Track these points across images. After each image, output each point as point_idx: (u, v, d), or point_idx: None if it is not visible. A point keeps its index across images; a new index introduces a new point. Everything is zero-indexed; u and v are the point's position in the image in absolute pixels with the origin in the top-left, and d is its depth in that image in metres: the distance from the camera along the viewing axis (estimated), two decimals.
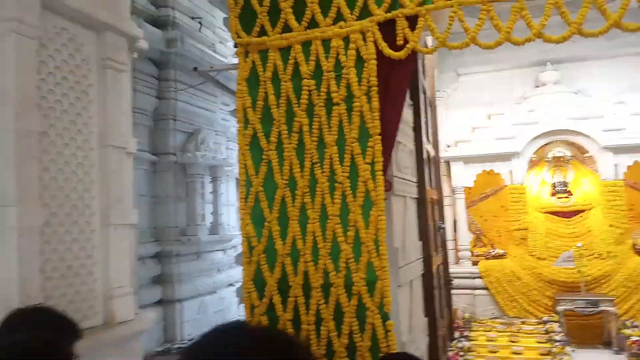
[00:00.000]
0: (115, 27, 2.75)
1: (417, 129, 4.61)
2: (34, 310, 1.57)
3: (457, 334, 6.33)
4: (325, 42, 3.22)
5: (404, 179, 4.06)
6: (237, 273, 8.54)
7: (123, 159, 2.77)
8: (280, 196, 3.26)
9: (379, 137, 3.10)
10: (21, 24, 2.26)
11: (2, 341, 1.31)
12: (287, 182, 3.25)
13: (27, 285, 2.24)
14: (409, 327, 3.89)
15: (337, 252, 3.12)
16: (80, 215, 2.59)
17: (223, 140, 8.21)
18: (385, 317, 3.02)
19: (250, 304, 3.30)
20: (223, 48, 7.92)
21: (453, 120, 8.64)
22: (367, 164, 3.10)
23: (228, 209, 8.45)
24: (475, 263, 8.22)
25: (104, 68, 2.71)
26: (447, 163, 8.31)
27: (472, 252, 8.46)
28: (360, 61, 3.16)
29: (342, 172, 3.13)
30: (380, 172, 3.09)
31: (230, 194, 8.59)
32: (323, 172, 3.18)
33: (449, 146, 8.42)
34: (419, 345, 4.16)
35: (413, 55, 3.20)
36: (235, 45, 3.45)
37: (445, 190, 7.94)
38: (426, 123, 5.17)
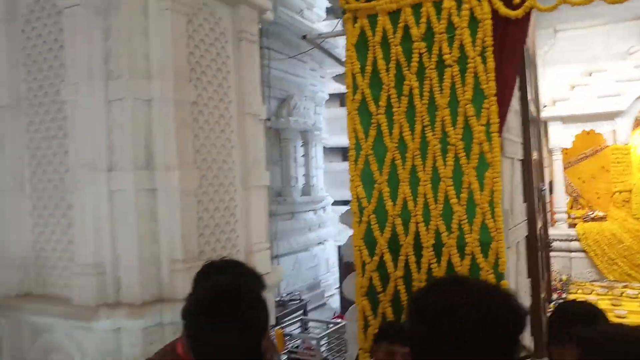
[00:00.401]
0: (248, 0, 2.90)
1: (522, 88, 4.48)
2: (224, 261, 1.78)
3: (555, 296, 6.22)
4: (437, 4, 3.18)
5: (512, 140, 4.00)
6: (325, 232, 8.85)
7: (257, 126, 2.98)
8: (390, 159, 3.32)
9: (495, 98, 3.06)
10: (174, 2, 2.46)
11: (198, 286, 1.50)
12: (397, 145, 3.30)
13: (188, 241, 2.53)
14: (515, 288, 3.91)
15: (450, 213, 3.16)
16: (224, 177, 2.84)
17: (311, 106, 8.38)
18: (499, 277, 3.06)
19: (362, 260, 3.43)
20: (310, 14, 7.97)
21: (550, 79, 8.23)
22: (482, 125, 3.08)
23: (317, 171, 8.68)
24: (572, 225, 7.95)
25: (239, 40, 2.88)
26: (544, 123, 7.98)
27: (568, 214, 8.17)
28: (474, 21, 3.10)
29: (455, 134, 3.14)
30: (496, 134, 3.07)
31: (318, 158, 8.80)
32: (434, 134, 3.20)
33: (545, 106, 8.06)
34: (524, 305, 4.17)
35: (529, 14, 3.10)
36: (344, 12, 3.48)
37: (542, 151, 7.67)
38: (530, 82, 5.00)
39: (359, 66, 3.40)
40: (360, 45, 3.41)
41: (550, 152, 8.07)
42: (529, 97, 4.80)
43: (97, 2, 2.54)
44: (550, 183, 8.17)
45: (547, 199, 7.84)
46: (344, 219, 3.85)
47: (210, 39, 2.76)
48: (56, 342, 2.63)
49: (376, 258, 3.35)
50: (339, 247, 8.68)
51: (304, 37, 3.47)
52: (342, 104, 14.46)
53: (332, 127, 9.74)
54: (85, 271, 2.59)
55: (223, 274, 1.64)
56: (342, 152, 14.32)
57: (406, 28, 3.26)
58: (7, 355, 2.88)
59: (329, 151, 9.83)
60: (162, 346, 1.50)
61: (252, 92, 2.95)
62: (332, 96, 9.51)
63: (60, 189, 2.79)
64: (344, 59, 3.58)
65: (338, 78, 3.95)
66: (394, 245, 3.30)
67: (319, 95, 8.54)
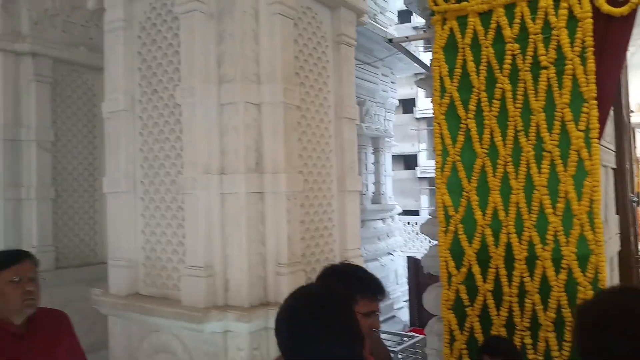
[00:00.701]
0: (347, 2, 2.91)
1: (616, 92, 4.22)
2: (340, 266, 1.77)
3: None
4: (532, 4, 3.05)
5: (606, 148, 3.77)
6: (393, 242, 8.71)
7: (352, 130, 2.97)
8: (479, 166, 3.20)
9: (595, 102, 2.89)
10: (283, 5, 2.50)
11: (295, 292, 1.47)
12: (487, 151, 3.18)
13: (293, 244, 2.55)
14: None
15: (544, 224, 2.99)
16: (323, 182, 2.86)
17: (382, 112, 8.31)
18: None
19: (448, 272, 3.32)
20: (383, 18, 7.95)
21: (637, 82, 7.75)
22: (581, 131, 2.91)
23: (386, 179, 8.59)
24: None
25: (338, 44, 2.89)
26: (632, 130, 7.51)
27: None
28: (572, 20, 2.94)
29: (551, 140, 2.98)
30: (596, 140, 2.89)
31: (387, 165, 8.71)
32: (528, 140, 3.05)
33: (632, 111, 7.58)
34: None
35: (635, 11, 2.91)
36: (432, 14, 3.40)
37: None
38: (622, 85, 4.70)
39: (447, 69, 3.31)
40: (449, 48, 3.32)
41: (637, 160, 7.59)
42: (624, 102, 4.52)
43: (212, 8, 2.62)
44: (638, 195, 7.67)
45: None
46: (425, 228, 3.74)
47: (312, 43, 2.79)
48: (164, 342, 2.68)
49: (464, 270, 3.23)
50: (408, 258, 8.53)
51: (390, 40, 3.41)
52: (406, 111, 14.28)
53: (395, 134, 9.65)
54: (196, 273, 2.64)
55: (337, 281, 1.61)
56: (405, 160, 14.14)
57: (498, 29, 3.14)
58: (115, 353, 2.98)
59: (392, 159, 9.73)
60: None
61: (348, 96, 2.95)
62: None
63: (171, 191, 2.86)
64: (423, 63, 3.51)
65: (420, 82, 3.87)
66: (483, 257, 3.17)
67: (390, 101, 8.47)
